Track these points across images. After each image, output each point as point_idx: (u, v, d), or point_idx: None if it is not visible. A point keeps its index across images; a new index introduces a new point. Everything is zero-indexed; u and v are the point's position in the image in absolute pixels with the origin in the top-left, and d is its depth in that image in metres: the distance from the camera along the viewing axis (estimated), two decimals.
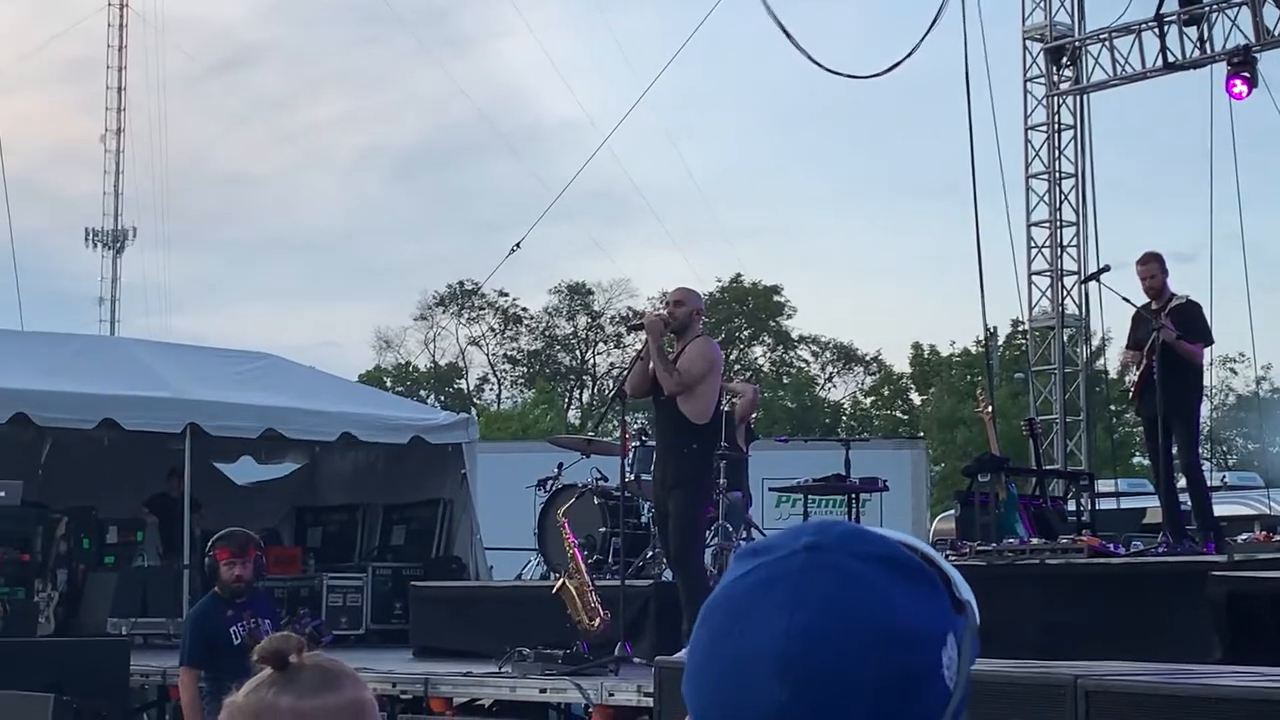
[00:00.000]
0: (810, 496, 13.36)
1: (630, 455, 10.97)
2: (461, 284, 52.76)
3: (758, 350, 54.87)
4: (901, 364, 52.47)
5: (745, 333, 54.00)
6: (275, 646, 1.99)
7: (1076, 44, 18.44)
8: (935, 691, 1.10)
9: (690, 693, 1.14)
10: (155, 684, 10.90)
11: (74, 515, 14.40)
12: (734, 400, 11.90)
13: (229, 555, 7.55)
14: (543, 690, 8.63)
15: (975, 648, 1.15)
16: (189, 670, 7.51)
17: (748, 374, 50.96)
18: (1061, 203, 18.77)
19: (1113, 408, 23.19)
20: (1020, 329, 25.73)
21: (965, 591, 1.16)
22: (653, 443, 10.22)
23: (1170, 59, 17.19)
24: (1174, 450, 10.59)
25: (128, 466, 14.84)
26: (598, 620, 9.30)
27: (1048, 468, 15.06)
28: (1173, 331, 10.15)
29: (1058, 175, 18.77)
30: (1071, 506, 13.50)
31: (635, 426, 12.55)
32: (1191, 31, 17.03)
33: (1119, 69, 17.99)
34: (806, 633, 1.07)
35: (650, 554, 11.11)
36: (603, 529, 11.45)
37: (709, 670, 1.12)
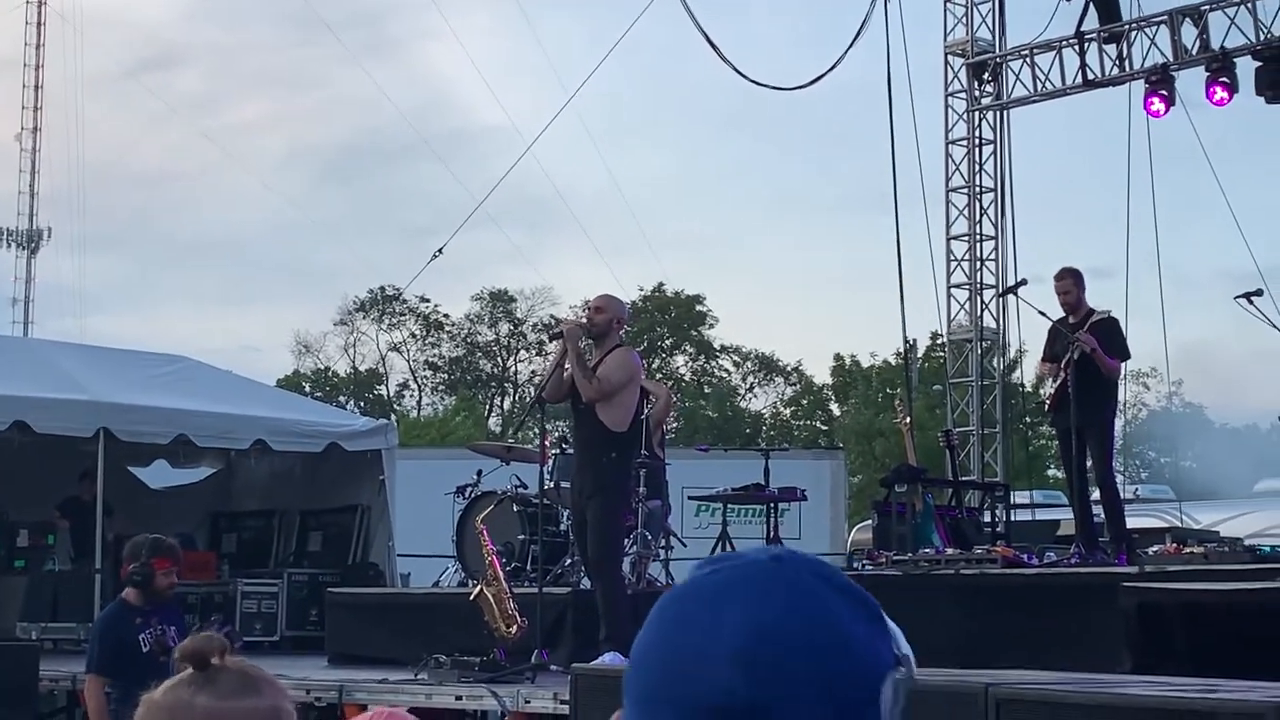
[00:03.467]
0: (729, 506, 13.39)
1: (550, 463, 10.94)
2: (383, 289, 52.52)
3: (679, 360, 55.02)
4: (823, 375, 52.80)
5: (667, 342, 54.11)
6: (197, 647, 1.97)
7: (998, 59, 18.64)
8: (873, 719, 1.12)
9: (636, 678, 1.15)
10: (65, 689, 10.75)
11: None
12: (650, 403, 11.88)
13: (169, 564, 7.52)
14: (459, 697, 8.60)
15: (907, 708, 1.16)
16: (96, 678, 7.41)
17: (669, 383, 51.07)
18: (981, 216, 18.94)
19: (1028, 420, 23.42)
20: (939, 341, 25.95)
21: (904, 647, 1.18)
22: (572, 450, 10.20)
23: (1090, 76, 17.41)
24: (1088, 463, 10.71)
25: (39, 469, 14.61)
26: (515, 627, 9.27)
27: (964, 479, 15.18)
28: (1091, 343, 10.24)
29: (978, 189, 18.94)
30: (987, 518, 13.61)
31: (555, 435, 12.51)
32: (1111, 49, 17.26)
33: (1039, 85, 18.19)
34: (766, 629, 1.10)
35: (569, 561, 11.08)
36: (521, 536, 11.42)
37: (661, 657, 1.14)
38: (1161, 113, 16.55)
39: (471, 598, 9.61)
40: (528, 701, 8.13)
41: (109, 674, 7.33)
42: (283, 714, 2.01)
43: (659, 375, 50.19)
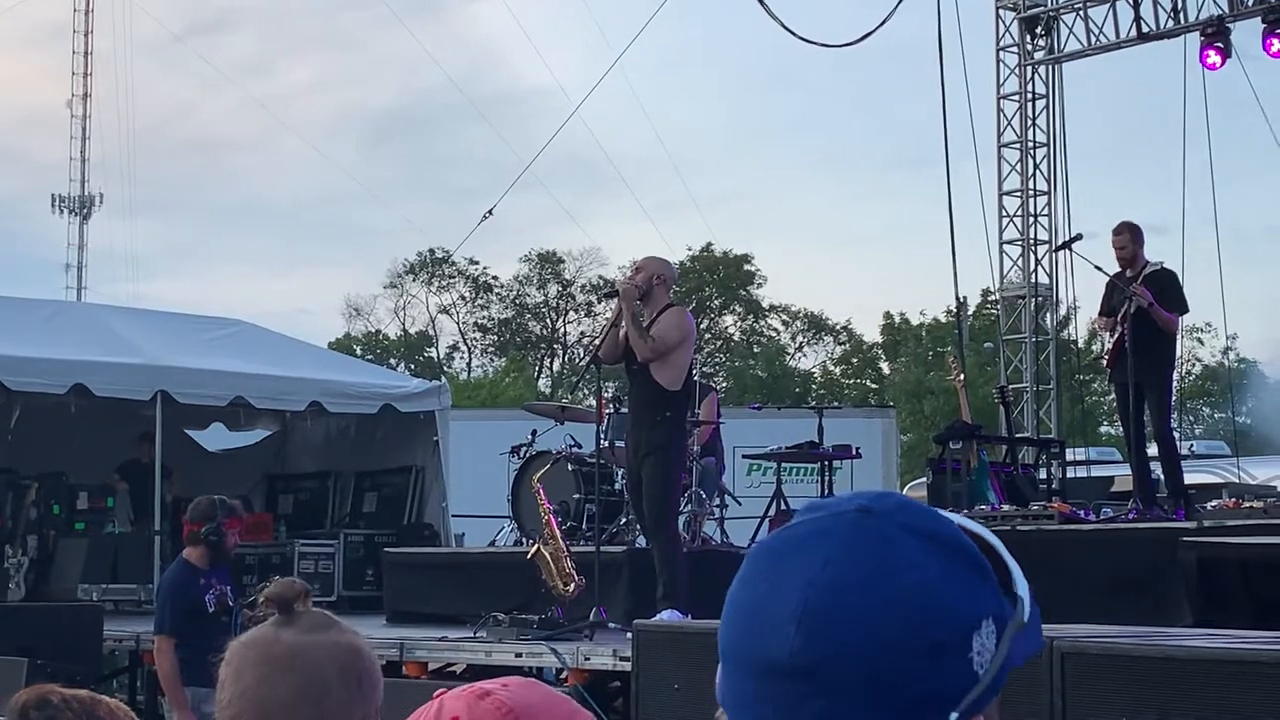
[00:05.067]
0: (783, 464, 13.38)
1: (604, 422, 10.97)
2: (432, 252, 52.65)
3: (728, 319, 54.88)
4: (872, 333, 52.60)
5: (716, 302, 53.99)
6: (281, 591, 2.00)
7: (1050, 13, 18.46)
8: (956, 673, 1.08)
9: (720, 635, 1.15)
10: (127, 649, 10.88)
11: (44, 481, 14.34)
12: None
13: (236, 524, 7.76)
14: (518, 655, 8.64)
15: (1027, 644, 1.12)
16: (166, 639, 7.49)
17: (718, 342, 51.09)
18: (1034, 172, 18.80)
19: (1079, 377, 23.29)
20: (991, 298, 25.81)
21: (1021, 587, 1.14)
22: (625, 410, 10.23)
23: (1144, 29, 17.21)
24: (1146, 418, 10.64)
25: (98, 433, 14.77)
26: (572, 585, 9.31)
27: (1018, 435, 15.12)
28: (1147, 297, 10.17)
29: (1030, 144, 18.79)
30: (1042, 474, 13.56)
31: (608, 394, 12.52)
32: (1166, 1, 17.05)
33: (1093, 39, 18.01)
34: (831, 585, 1.08)
35: (624, 520, 11.12)
36: (577, 495, 11.46)
37: (737, 611, 1.13)
38: (1218, 65, 16.35)
39: (529, 556, 9.65)
40: (587, 659, 8.17)
41: (178, 635, 7.42)
42: (363, 650, 2.04)
43: (707, 335, 50.17)
